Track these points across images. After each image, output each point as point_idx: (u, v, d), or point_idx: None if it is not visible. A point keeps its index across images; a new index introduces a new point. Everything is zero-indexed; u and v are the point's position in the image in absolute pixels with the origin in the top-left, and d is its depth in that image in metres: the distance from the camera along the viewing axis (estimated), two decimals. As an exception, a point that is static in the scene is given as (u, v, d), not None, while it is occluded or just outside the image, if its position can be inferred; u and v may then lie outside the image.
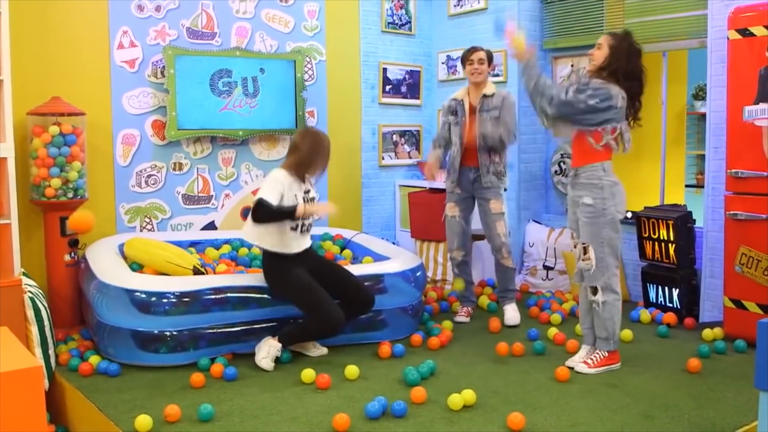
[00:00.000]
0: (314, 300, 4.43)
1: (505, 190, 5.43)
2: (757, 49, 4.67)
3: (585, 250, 4.25)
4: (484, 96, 5.31)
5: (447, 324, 5.13)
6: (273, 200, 4.39)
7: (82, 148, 5.20)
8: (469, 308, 5.56)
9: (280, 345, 4.42)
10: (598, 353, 4.32)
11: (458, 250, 5.49)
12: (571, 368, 4.27)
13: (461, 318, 5.45)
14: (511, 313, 5.36)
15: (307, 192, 4.57)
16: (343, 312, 4.44)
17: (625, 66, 4.18)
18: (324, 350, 4.67)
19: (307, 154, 4.54)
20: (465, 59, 5.38)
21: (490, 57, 5.39)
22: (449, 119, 5.45)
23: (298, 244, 4.56)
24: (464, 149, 5.33)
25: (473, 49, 5.37)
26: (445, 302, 5.84)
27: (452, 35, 7.14)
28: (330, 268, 4.73)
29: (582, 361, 4.33)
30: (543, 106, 4.20)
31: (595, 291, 4.27)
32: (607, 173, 4.21)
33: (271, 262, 4.54)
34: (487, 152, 5.28)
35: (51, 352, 4.30)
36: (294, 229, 4.50)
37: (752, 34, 4.68)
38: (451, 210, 5.48)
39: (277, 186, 4.43)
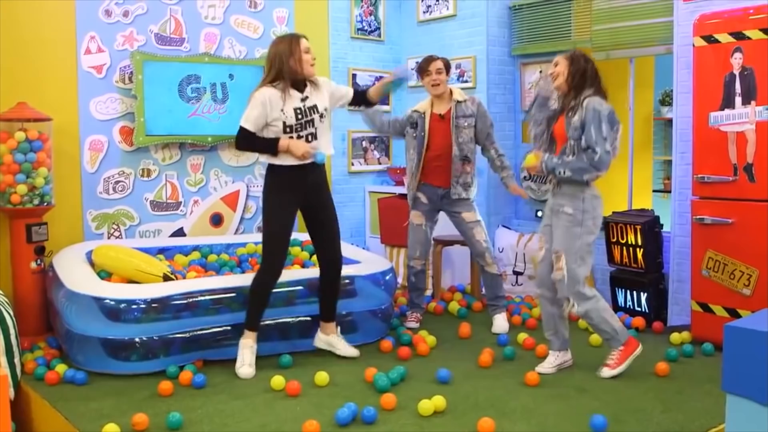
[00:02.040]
0: (269, 240, 4.38)
1: (472, 201, 5.39)
2: (722, 56, 4.73)
3: (557, 259, 4.24)
4: (457, 102, 5.26)
5: (430, 340, 5.05)
6: (251, 125, 4.25)
7: (48, 154, 5.14)
8: (419, 314, 5.52)
9: (249, 339, 4.38)
10: (614, 353, 4.31)
11: (419, 259, 5.45)
12: (541, 373, 4.28)
13: (411, 324, 5.41)
14: (500, 322, 5.32)
15: (305, 100, 4.31)
16: (321, 269, 4.52)
17: (593, 78, 4.24)
18: (352, 351, 4.64)
19: (274, 58, 4.29)
20: (423, 70, 5.29)
21: (447, 66, 5.32)
22: (408, 131, 5.39)
23: (292, 158, 4.30)
24: (426, 162, 5.28)
25: (430, 59, 5.29)
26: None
27: (421, 41, 7.16)
28: (325, 215, 4.55)
29: (603, 365, 4.32)
30: (595, 175, 4.15)
31: (570, 302, 4.25)
32: (590, 186, 4.23)
33: (267, 176, 4.42)
34: (461, 162, 5.24)
35: (16, 360, 4.23)
36: (289, 134, 4.29)
37: (717, 41, 4.74)
38: (417, 218, 5.43)
39: (256, 107, 4.24)
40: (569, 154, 4.18)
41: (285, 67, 4.28)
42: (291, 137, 4.29)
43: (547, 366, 4.39)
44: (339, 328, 4.72)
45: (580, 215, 4.19)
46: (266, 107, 4.25)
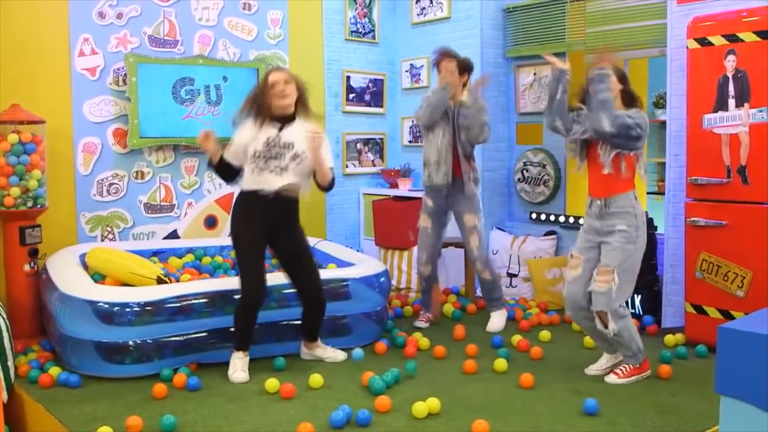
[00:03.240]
0: (241, 260, 4.41)
1: (478, 199, 5.39)
2: (715, 58, 4.74)
3: (606, 273, 4.15)
4: (461, 103, 5.24)
5: (424, 342, 5.02)
6: (229, 155, 4.38)
7: (42, 156, 5.13)
8: (430, 315, 5.54)
9: (239, 353, 4.37)
10: (627, 366, 4.28)
11: (426, 264, 5.44)
12: (598, 376, 4.31)
13: (420, 323, 5.44)
14: (495, 320, 5.35)
15: (281, 131, 4.31)
16: (302, 301, 4.49)
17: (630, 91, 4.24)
18: (339, 356, 4.63)
19: (251, 96, 4.43)
20: (437, 65, 5.30)
21: (463, 65, 5.29)
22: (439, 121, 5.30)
23: (258, 181, 4.31)
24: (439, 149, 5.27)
25: (444, 55, 5.26)
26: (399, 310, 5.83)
27: (415, 44, 7.16)
28: (294, 246, 4.50)
29: (612, 371, 4.31)
30: (603, 122, 4.06)
31: (604, 319, 4.19)
32: (638, 202, 4.22)
33: (237, 200, 4.48)
34: (466, 159, 5.27)
35: (10, 363, 4.23)
36: (253, 170, 4.32)
37: (711, 44, 4.75)
38: (424, 221, 5.45)
39: (234, 139, 4.39)
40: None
41: (259, 102, 4.35)
42: (258, 166, 4.30)
43: (596, 367, 4.40)
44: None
45: (634, 232, 4.15)
46: (242, 137, 4.36)
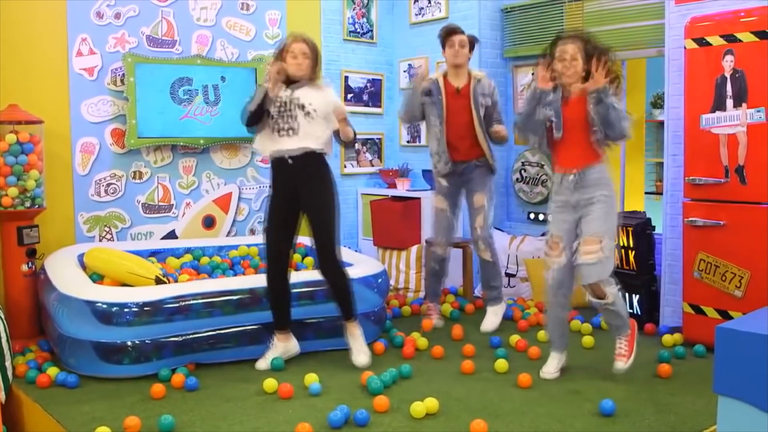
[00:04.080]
0: (264, 235, 4.57)
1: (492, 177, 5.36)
2: (713, 58, 4.74)
3: (595, 242, 4.09)
4: (478, 81, 5.22)
5: (422, 342, 5.02)
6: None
7: (39, 156, 5.13)
8: (438, 306, 5.49)
9: (275, 339, 4.53)
10: (623, 341, 4.30)
11: (441, 245, 5.37)
12: (548, 379, 4.30)
13: (436, 320, 5.39)
14: (491, 318, 5.33)
15: (292, 94, 4.42)
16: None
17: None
18: (359, 360, 4.55)
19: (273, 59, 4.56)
20: (444, 40, 5.22)
21: (471, 42, 5.28)
22: (425, 101, 5.25)
23: (278, 147, 4.43)
24: (448, 135, 5.21)
25: (453, 31, 5.21)
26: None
27: (414, 44, 7.17)
28: (313, 215, 4.49)
29: (615, 357, 4.30)
30: (627, 132, 4.11)
31: (599, 291, 4.15)
32: (608, 171, 4.27)
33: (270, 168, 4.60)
34: (485, 136, 5.24)
35: (8, 364, 4.22)
36: (271, 130, 4.45)
37: (709, 44, 4.76)
38: (440, 202, 5.36)
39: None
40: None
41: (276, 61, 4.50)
42: (273, 125, 4.44)
43: (553, 370, 4.36)
44: (353, 329, 4.64)
45: (612, 197, 4.21)
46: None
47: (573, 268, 4.23)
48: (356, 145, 4.54)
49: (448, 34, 5.21)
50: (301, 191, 4.46)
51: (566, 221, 4.25)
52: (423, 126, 6.57)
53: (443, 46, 5.25)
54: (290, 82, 4.46)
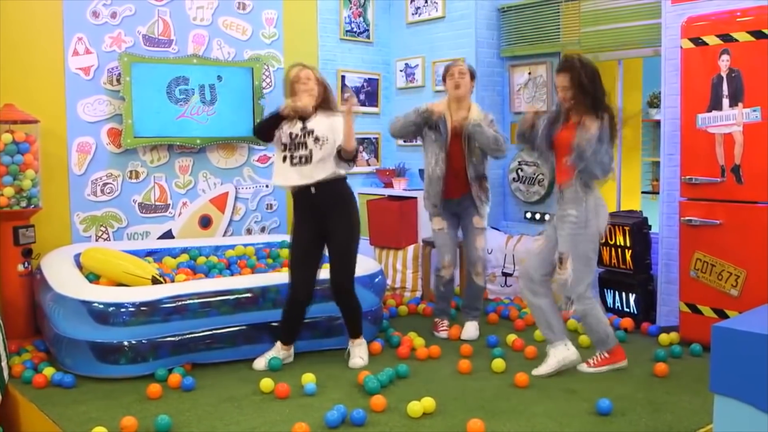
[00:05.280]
0: (289, 258, 4.62)
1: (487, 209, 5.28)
2: (709, 58, 4.74)
3: (561, 261, 4.33)
4: (474, 122, 5.03)
5: (419, 342, 4.97)
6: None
7: (35, 156, 5.12)
8: (447, 321, 5.37)
9: (279, 344, 4.56)
10: (599, 356, 4.45)
11: (448, 267, 5.25)
12: (538, 376, 4.33)
13: (443, 333, 5.25)
14: (470, 330, 5.23)
15: (304, 128, 4.45)
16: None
17: (596, 92, 4.28)
18: (354, 362, 4.55)
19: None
20: (446, 72, 5.13)
21: (472, 73, 5.15)
22: (427, 132, 5.13)
23: (288, 177, 4.46)
24: (448, 176, 5.09)
25: (455, 62, 5.17)
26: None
27: (410, 43, 7.17)
28: (332, 238, 4.52)
29: (584, 361, 4.46)
30: (598, 174, 4.28)
31: (570, 302, 4.38)
32: (593, 191, 4.32)
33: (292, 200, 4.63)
34: (477, 181, 5.12)
35: (4, 364, 4.22)
36: (284, 160, 4.47)
37: (705, 43, 4.76)
38: (438, 223, 5.26)
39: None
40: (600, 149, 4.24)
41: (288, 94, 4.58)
42: (285, 156, 4.47)
43: (546, 367, 4.39)
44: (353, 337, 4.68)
45: (584, 219, 4.29)
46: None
47: (544, 261, 4.49)
48: (352, 163, 4.46)
49: (451, 65, 5.14)
50: (321, 216, 4.49)
51: (553, 227, 4.50)
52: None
53: (444, 81, 5.16)
54: (303, 116, 4.49)
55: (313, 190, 4.44)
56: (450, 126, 5.06)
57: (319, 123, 4.47)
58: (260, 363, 4.49)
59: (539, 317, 4.49)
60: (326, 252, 4.59)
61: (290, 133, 4.46)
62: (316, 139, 4.41)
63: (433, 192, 5.17)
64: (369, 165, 7.33)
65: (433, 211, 5.26)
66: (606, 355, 4.43)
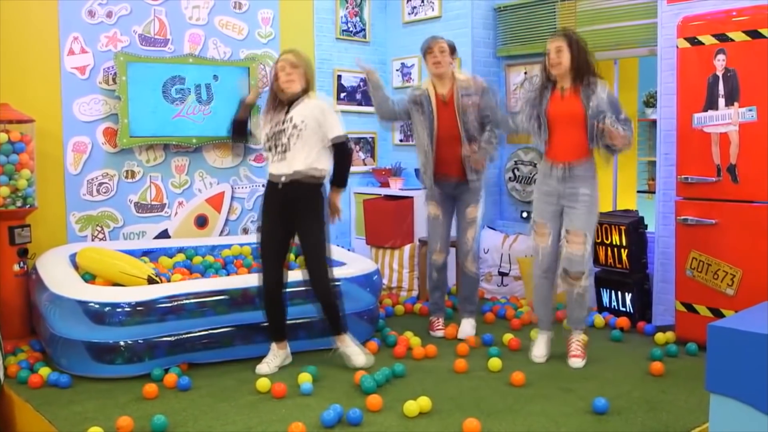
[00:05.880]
0: (259, 251, 4.56)
1: (482, 192, 5.24)
2: (705, 58, 4.75)
3: (580, 236, 4.42)
4: (461, 84, 5.05)
5: (415, 341, 5.00)
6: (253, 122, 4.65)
7: (31, 155, 5.11)
8: (443, 318, 5.38)
9: (272, 344, 4.52)
10: (579, 341, 4.58)
11: (440, 252, 5.26)
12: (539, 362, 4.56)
13: (438, 333, 5.25)
14: (466, 328, 5.21)
15: (287, 115, 4.39)
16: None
17: (588, 57, 4.47)
18: (359, 361, 4.48)
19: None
20: (425, 51, 5.09)
21: (452, 48, 5.12)
22: (411, 107, 5.15)
23: (278, 170, 4.39)
24: (437, 148, 5.07)
25: (434, 39, 5.09)
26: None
27: (406, 43, 7.16)
28: (302, 234, 4.46)
29: (571, 356, 4.54)
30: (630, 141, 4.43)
31: (578, 278, 4.47)
32: (595, 169, 4.51)
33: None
34: (469, 143, 5.03)
35: (-1, 364, 4.22)
36: (269, 151, 4.45)
37: (701, 43, 4.77)
38: (433, 209, 5.24)
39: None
40: (596, 134, 4.38)
41: (272, 87, 4.51)
42: (269, 146, 4.44)
43: (542, 353, 4.62)
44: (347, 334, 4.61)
45: (595, 195, 4.47)
46: (262, 113, 4.55)
47: (557, 252, 4.55)
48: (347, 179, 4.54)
49: (427, 44, 5.10)
50: (290, 210, 4.43)
51: (551, 209, 4.55)
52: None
53: (425, 58, 5.14)
54: (288, 103, 4.43)
55: (280, 186, 4.38)
56: (435, 101, 5.07)
57: (300, 110, 4.39)
58: (264, 368, 4.42)
59: (547, 304, 4.69)
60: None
61: (273, 123, 4.43)
62: (294, 126, 4.35)
63: (425, 167, 5.19)
64: (365, 164, 7.32)
65: (429, 186, 5.23)
66: (585, 337, 4.61)
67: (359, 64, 5.23)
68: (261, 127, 4.53)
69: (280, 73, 4.40)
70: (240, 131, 4.84)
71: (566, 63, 4.40)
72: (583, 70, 4.43)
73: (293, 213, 4.42)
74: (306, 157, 4.36)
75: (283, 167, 4.37)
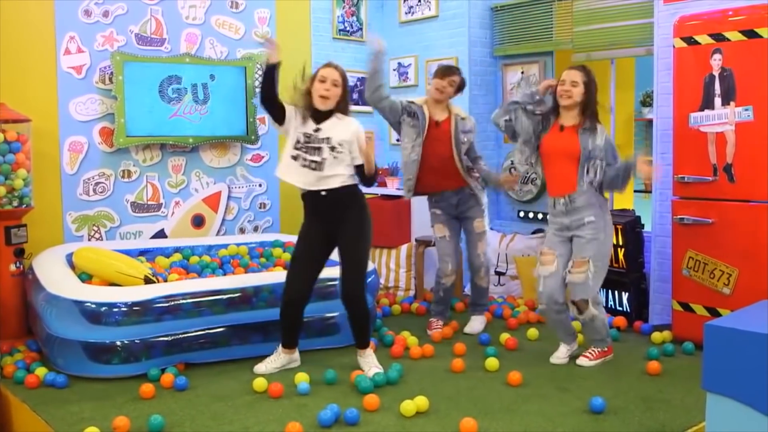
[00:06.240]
0: (291, 264, 4.49)
1: (485, 206, 5.33)
2: (701, 57, 4.76)
3: (582, 264, 4.39)
4: (461, 118, 5.18)
5: (412, 341, 4.99)
6: (285, 94, 4.40)
7: (27, 155, 5.10)
8: (443, 321, 5.37)
9: (280, 347, 4.47)
10: (594, 350, 4.57)
11: (451, 275, 5.27)
12: (556, 364, 4.54)
13: (435, 331, 5.23)
14: (475, 324, 5.30)
15: (318, 131, 4.27)
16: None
17: (595, 104, 4.47)
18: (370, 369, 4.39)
19: (307, 83, 4.39)
20: (436, 75, 5.16)
21: (462, 85, 5.21)
22: (405, 119, 5.18)
23: (303, 180, 4.30)
24: (428, 165, 5.12)
25: (449, 69, 5.20)
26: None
27: (403, 42, 7.16)
28: (343, 244, 4.40)
29: (582, 355, 4.56)
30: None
31: (582, 307, 4.42)
32: (599, 194, 4.46)
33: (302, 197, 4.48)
34: (467, 172, 5.17)
35: (-4, 364, 4.21)
36: (294, 158, 4.31)
37: (697, 42, 4.77)
38: (440, 230, 5.29)
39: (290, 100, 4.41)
40: (594, 172, 4.39)
41: (307, 92, 4.35)
42: (296, 155, 4.30)
43: (562, 356, 4.61)
44: (365, 343, 4.51)
45: (603, 220, 4.42)
46: (293, 111, 4.37)
47: (563, 280, 4.49)
48: (375, 179, 4.44)
49: (444, 71, 5.16)
50: (331, 220, 4.37)
51: (559, 236, 4.53)
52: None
53: (432, 80, 5.19)
54: (317, 114, 4.32)
55: (323, 193, 4.31)
56: (428, 118, 5.13)
57: (334, 128, 4.29)
58: (260, 368, 4.41)
59: (560, 328, 4.62)
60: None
61: (304, 133, 4.30)
62: (332, 148, 4.25)
63: (408, 175, 5.21)
64: (362, 164, 7.31)
65: (434, 215, 5.31)
66: (604, 348, 4.58)
67: (375, 41, 5.04)
68: (288, 119, 4.37)
69: (318, 85, 4.27)
70: (274, 96, 4.40)
71: (577, 98, 4.40)
72: (588, 111, 4.43)
73: (335, 224, 4.37)
74: (341, 180, 4.31)
75: (313, 181, 4.30)
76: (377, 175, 4.45)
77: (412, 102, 5.23)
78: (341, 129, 4.30)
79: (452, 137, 5.14)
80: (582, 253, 4.39)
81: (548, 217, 4.64)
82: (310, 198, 4.37)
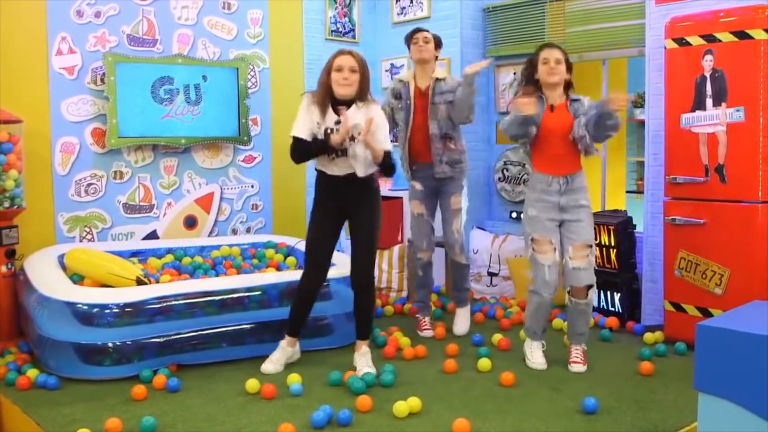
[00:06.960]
0: (306, 244, 4.49)
1: (463, 182, 5.26)
2: (693, 58, 4.77)
3: (587, 248, 4.41)
4: (437, 80, 5.10)
5: (404, 341, 5.01)
6: (301, 131, 4.28)
7: (19, 156, 5.08)
8: (429, 318, 5.39)
9: (284, 340, 4.47)
10: (579, 349, 4.54)
11: (426, 250, 5.29)
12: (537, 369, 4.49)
13: (426, 333, 5.26)
14: (461, 323, 5.28)
15: (338, 123, 4.24)
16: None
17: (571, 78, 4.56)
18: (364, 369, 4.34)
19: (321, 74, 4.34)
20: (409, 39, 5.16)
21: (437, 40, 5.19)
22: (392, 103, 5.22)
23: (331, 168, 4.34)
24: (412, 137, 5.13)
25: (418, 29, 5.17)
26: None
27: (396, 43, 7.13)
28: (358, 228, 4.42)
29: (572, 362, 4.49)
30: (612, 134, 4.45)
31: (586, 292, 4.44)
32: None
33: (315, 183, 4.48)
34: (442, 140, 5.08)
35: (-13, 365, 4.19)
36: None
37: (688, 44, 4.79)
38: (417, 207, 5.28)
39: (301, 114, 4.31)
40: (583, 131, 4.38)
41: (321, 80, 4.33)
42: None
43: (544, 360, 4.53)
44: (364, 342, 4.52)
45: (589, 206, 4.50)
46: (310, 113, 4.30)
47: (560, 267, 4.47)
48: (389, 168, 4.41)
49: (412, 32, 5.17)
50: (351, 205, 4.39)
51: (552, 220, 4.47)
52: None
53: (408, 47, 5.21)
54: (337, 103, 4.30)
55: (339, 178, 4.33)
56: (413, 92, 5.12)
57: (355, 116, 4.25)
58: (269, 366, 4.41)
59: (544, 317, 4.57)
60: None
61: (326, 129, 4.27)
62: (352, 138, 4.24)
63: (405, 156, 5.22)
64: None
65: (412, 189, 5.27)
66: (585, 347, 4.55)
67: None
68: (300, 119, 4.32)
69: (336, 74, 4.25)
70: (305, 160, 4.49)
71: (564, 75, 4.45)
72: (569, 85, 4.52)
73: (353, 208, 4.39)
74: (366, 167, 4.31)
75: (336, 170, 4.33)
76: (390, 162, 4.35)
77: (399, 80, 5.25)
78: (360, 117, 4.26)
79: (427, 102, 5.10)
80: (584, 237, 4.40)
81: (534, 195, 4.51)
82: (325, 179, 4.39)
